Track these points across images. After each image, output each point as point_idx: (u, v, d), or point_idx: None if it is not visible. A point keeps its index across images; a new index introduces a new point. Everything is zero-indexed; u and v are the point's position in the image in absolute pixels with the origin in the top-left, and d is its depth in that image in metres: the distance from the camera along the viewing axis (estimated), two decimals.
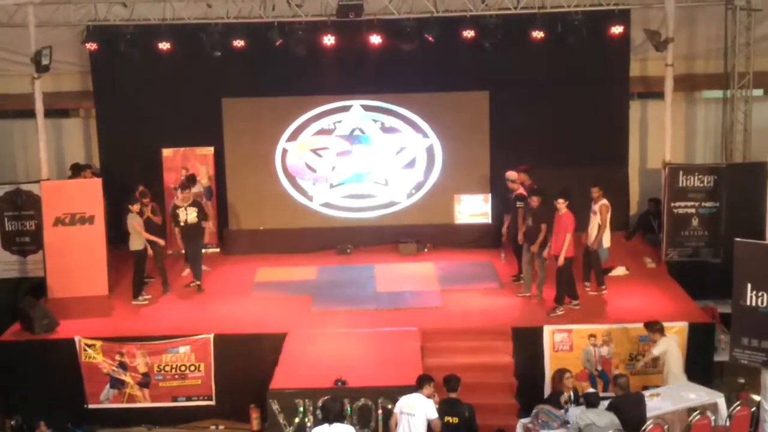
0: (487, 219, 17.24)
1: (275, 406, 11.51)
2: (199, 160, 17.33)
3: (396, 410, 10.73)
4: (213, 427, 13.32)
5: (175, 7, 16.02)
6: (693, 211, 15.62)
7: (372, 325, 13.57)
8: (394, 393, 11.12)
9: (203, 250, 15.82)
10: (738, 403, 11.35)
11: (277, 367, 12.25)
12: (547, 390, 12.68)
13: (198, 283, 15.16)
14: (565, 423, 10.97)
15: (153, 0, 15.96)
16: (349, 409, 11.38)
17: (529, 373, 12.94)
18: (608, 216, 14.23)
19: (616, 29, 16.03)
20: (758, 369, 11.31)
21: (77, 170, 16.69)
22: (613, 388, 11.33)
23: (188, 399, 13.37)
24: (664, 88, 15.76)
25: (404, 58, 16.32)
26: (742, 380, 13.15)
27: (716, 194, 15.53)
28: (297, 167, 17.41)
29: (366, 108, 17.31)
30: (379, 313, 14.12)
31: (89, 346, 13.23)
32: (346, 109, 17.31)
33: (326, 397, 10.96)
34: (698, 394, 11.54)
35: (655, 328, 12.39)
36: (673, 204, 15.62)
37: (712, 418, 11.01)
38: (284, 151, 17.34)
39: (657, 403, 11.19)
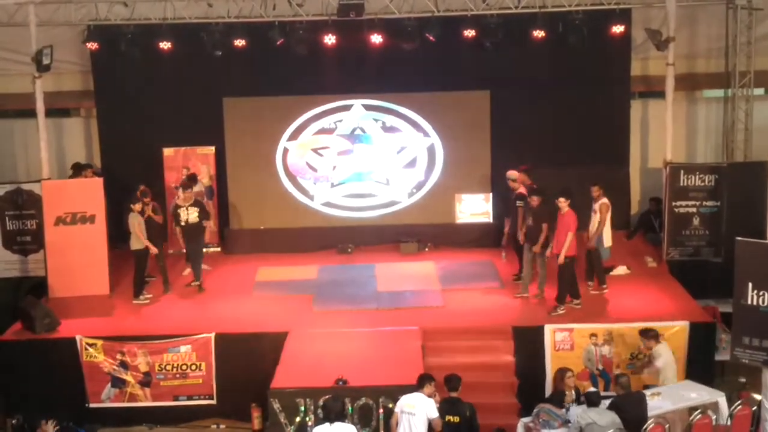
0: (488, 218, 17.24)
1: (276, 406, 11.52)
2: (200, 160, 17.34)
3: (397, 409, 10.73)
4: (214, 426, 13.33)
5: (175, 6, 16.02)
6: (694, 210, 15.63)
7: (373, 325, 13.57)
8: (395, 392, 11.12)
9: (204, 249, 15.81)
10: (739, 402, 11.35)
11: (278, 366, 12.26)
12: (548, 389, 12.68)
13: (198, 283, 15.16)
14: (566, 422, 10.97)
15: None
16: (350, 408, 11.39)
17: (530, 372, 12.93)
18: (608, 215, 14.22)
19: (617, 28, 16.03)
20: (759, 368, 11.30)
21: (78, 170, 16.70)
22: (615, 387, 11.34)
23: (189, 398, 13.38)
24: (665, 88, 15.75)
25: (405, 57, 16.32)
26: (743, 379, 13.13)
27: (717, 193, 15.53)
28: (298, 166, 17.41)
29: (367, 107, 17.31)
30: (380, 313, 14.12)
31: (90, 345, 13.24)
32: (347, 108, 17.31)
33: (327, 397, 10.97)
34: (699, 394, 11.54)
35: (649, 335, 12.36)
36: (674, 203, 15.62)
37: (713, 417, 11.01)
38: (285, 151, 17.34)
39: (658, 402, 11.18)
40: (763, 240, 11.26)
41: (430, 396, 10.67)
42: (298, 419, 11.50)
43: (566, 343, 13.10)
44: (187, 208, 15.01)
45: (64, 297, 14.80)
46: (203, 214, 15.15)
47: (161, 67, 16.79)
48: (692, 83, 17.46)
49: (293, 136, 17.32)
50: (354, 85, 17.15)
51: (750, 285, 11.01)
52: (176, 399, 13.38)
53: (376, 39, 15.81)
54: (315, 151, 17.38)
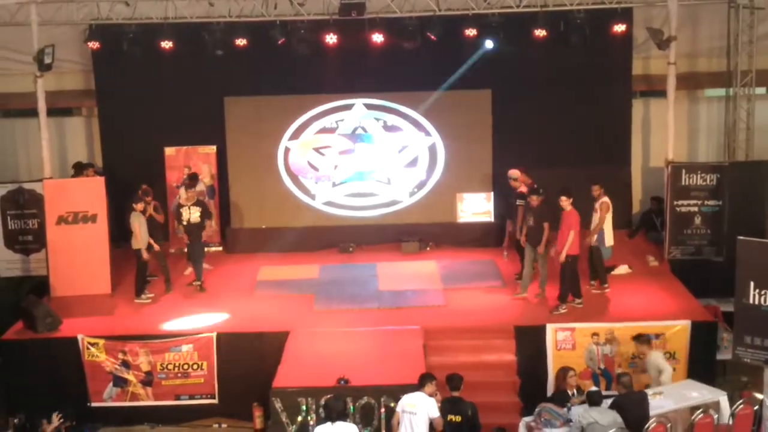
0: (489, 217, 17.24)
1: (278, 405, 11.52)
2: (202, 159, 17.34)
3: (398, 409, 10.73)
4: (216, 426, 13.34)
5: (177, 5, 16.02)
6: (696, 209, 15.62)
7: (374, 324, 13.58)
8: (396, 391, 11.12)
9: (205, 249, 15.80)
10: (741, 401, 11.34)
11: (280, 365, 12.26)
12: (550, 388, 12.70)
13: (199, 283, 15.16)
14: (567, 421, 10.98)
15: None
16: (351, 407, 11.40)
17: (531, 371, 12.94)
18: (607, 214, 14.21)
19: (619, 27, 16.04)
20: (761, 367, 11.29)
21: (80, 169, 16.70)
22: (616, 386, 11.33)
23: (191, 397, 13.39)
24: (667, 87, 15.74)
25: (406, 56, 16.32)
26: (744, 378, 13.17)
27: (719, 192, 15.52)
28: (299, 166, 17.41)
29: (368, 106, 17.30)
30: (381, 312, 14.12)
31: (92, 344, 13.25)
32: (348, 107, 17.30)
33: (329, 396, 10.99)
34: (701, 393, 11.54)
35: (642, 340, 12.36)
36: (675, 202, 15.62)
37: (715, 416, 11.01)
38: (287, 150, 17.34)
39: (660, 402, 11.18)
40: (765, 239, 11.24)
41: (431, 395, 10.67)
42: (299, 419, 11.52)
43: (568, 342, 13.10)
44: (189, 208, 15.01)
45: (65, 296, 14.82)
46: (206, 214, 15.16)
47: (163, 67, 16.79)
48: (694, 82, 17.45)
49: (295, 136, 17.31)
50: (355, 84, 17.15)
51: (752, 284, 11.01)
52: (178, 398, 13.39)
53: (378, 38, 15.81)
54: (316, 150, 17.38)
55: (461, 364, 11.97)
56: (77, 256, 15.01)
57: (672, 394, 11.49)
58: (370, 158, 17.34)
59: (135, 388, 13.33)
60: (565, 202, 13.63)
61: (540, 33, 15.81)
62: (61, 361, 13.32)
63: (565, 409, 11.20)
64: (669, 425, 10.71)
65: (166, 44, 16.11)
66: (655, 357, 12.17)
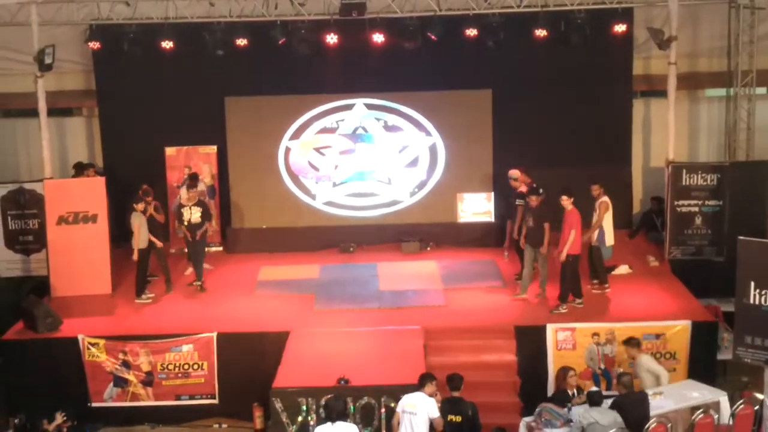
0: (489, 218, 17.24)
1: (278, 405, 11.52)
2: (202, 159, 17.34)
3: (398, 409, 10.73)
4: (216, 426, 13.34)
5: (177, 5, 16.02)
6: (696, 209, 15.62)
7: (375, 324, 13.58)
8: (396, 392, 11.12)
9: (206, 249, 15.80)
10: (741, 401, 11.33)
11: (280, 365, 12.26)
12: (551, 388, 12.69)
13: (199, 283, 15.16)
14: (568, 422, 10.98)
15: None
16: (351, 407, 11.41)
17: (532, 371, 12.93)
18: (606, 214, 14.20)
19: (619, 27, 16.03)
20: (761, 367, 11.29)
21: (80, 169, 16.71)
22: (617, 386, 11.33)
23: (191, 397, 13.39)
24: (668, 87, 15.74)
25: (407, 56, 16.32)
26: (745, 379, 13.17)
27: (719, 193, 15.51)
28: (300, 166, 17.41)
29: (369, 106, 17.30)
30: (381, 312, 14.12)
31: (92, 344, 13.25)
32: (349, 107, 17.30)
33: (329, 396, 10.99)
34: (701, 393, 11.54)
35: (632, 343, 12.31)
36: (676, 202, 15.61)
37: (716, 416, 11.01)
38: (287, 150, 17.34)
39: (660, 402, 11.18)
40: (766, 239, 11.23)
41: (431, 395, 10.66)
42: (300, 419, 11.52)
43: (568, 342, 13.10)
44: (190, 208, 15.01)
45: (66, 296, 14.82)
46: (206, 215, 15.16)
47: (163, 67, 16.79)
48: (694, 82, 17.45)
49: (295, 136, 17.31)
50: (356, 84, 17.16)
51: (752, 284, 11.01)
52: (178, 398, 13.39)
53: (378, 38, 15.80)
54: (317, 150, 17.38)
55: (461, 364, 11.97)
56: (78, 257, 15.01)
57: (672, 395, 11.48)
58: (371, 158, 17.34)
59: (135, 389, 13.34)
60: (566, 202, 13.63)
61: (541, 33, 15.81)
62: (61, 362, 13.32)
63: (566, 410, 11.20)
64: (669, 425, 10.71)
65: (167, 44, 16.11)
66: (646, 360, 12.12)
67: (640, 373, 12.11)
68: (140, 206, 14.60)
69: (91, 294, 14.89)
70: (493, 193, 17.12)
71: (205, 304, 14.67)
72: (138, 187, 15.15)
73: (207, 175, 17.18)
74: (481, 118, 17.11)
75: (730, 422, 11.08)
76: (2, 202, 16.22)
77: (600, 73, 16.97)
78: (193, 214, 14.99)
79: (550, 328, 13.13)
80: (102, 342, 13.25)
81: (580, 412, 10.75)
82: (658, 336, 13.01)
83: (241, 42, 15.98)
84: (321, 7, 15.94)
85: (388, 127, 17.30)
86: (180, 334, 13.33)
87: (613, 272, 15.00)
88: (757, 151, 16.65)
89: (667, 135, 15.87)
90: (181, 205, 15.14)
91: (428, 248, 17.05)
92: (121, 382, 13.30)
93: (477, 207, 17.28)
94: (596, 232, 14.23)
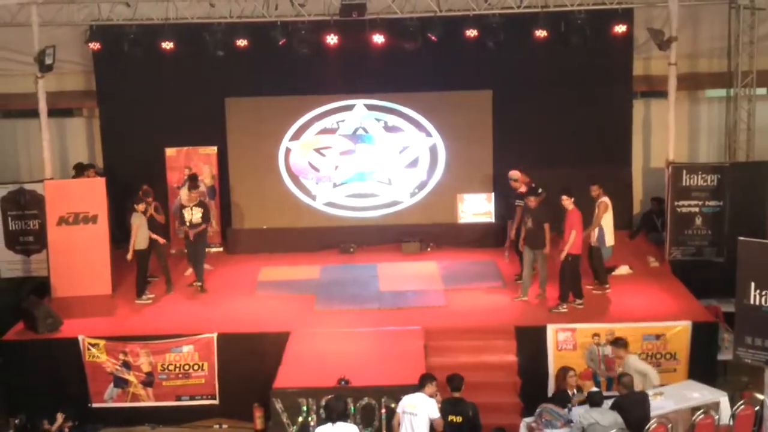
0: (490, 218, 17.24)
1: (278, 406, 11.53)
2: (203, 160, 17.34)
3: (399, 410, 10.72)
4: (216, 426, 13.34)
5: (178, 6, 16.02)
6: (696, 210, 15.62)
7: (375, 324, 13.58)
8: (397, 392, 11.12)
9: (206, 249, 15.80)
10: (741, 402, 11.32)
11: (281, 366, 12.26)
12: (551, 389, 12.68)
13: (200, 284, 15.16)
14: (568, 422, 10.98)
15: (156, 0, 15.97)
16: (352, 408, 11.41)
17: (532, 372, 12.93)
18: (605, 214, 14.20)
19: (620, 28, 16.03)
20: (762, 368, 11.30)
21: (80, 170, 16.71)
22: (617, 387, 11.32)
23: (192, 398, 13.39)
24: (668, 87, 15.74)
25: (407, 57, 16.32)
26: (745, 379, 13.16)
27: (720, 193, 15.52)
28: (300, 166, 17.41)
29: (369, 107, 17.31)
30: (382, 312, 14.12)
31: (93, 345, 13.25)
32: (349, 108, 17.31)
33: (329, 397, 10.99)
34: (702, 393, 11.53)
35: (619, 344, 12.26)
36: (676, 203, 15.62)
37: (716, 417, 11.00)
38: (287, 151, 17.35)
39: (660, 402, 11.17)
40: (766, 240, 11.24)
41: (431, 396, 10.66)
42: (300, 419, 11.52)
43: (569, 342, 13.10)
44: (191, 209, 15.02)
45: (66, 297, 14.82)
46: (206, 216, 15.17)
47: (163, 68, 16.80)
48: (695, 83, 17.46)
49: (295, 136, 17.32)
50: (356, 85, 17.16)
51: (752, 285, 11.03)
52: (179, 399, 13.39)
53: (378, 39, 15.80)
54: (317, 151, 17.39)
55: (462, 365, 11.96)
56: (78, 257, 15.01)
57: (673, 395, 11.47)
58: (371, 159, 17.35)
59: (136, 389, 13.34)
60: (567, 202, 13.64)
61: (541, 34, 15.81)
62: (61, 362, 13.32)
63: (566, 410, 11.19)
64: (670, 426, 10.70)
65: (167, 45, 16.11)
66: (633, 361, 12.08)
67: (629, 373, 12.09)
68: (141, 207, 14.60)
69: (92, 295, 14.90)
70: (493, 194, 17.12)
71: (205, 304, 14.67)
72: (138, 188, 15.19)
73: (207, 175, 17.18)
74: (482, 118, 17.11)
75: (731, 423, 11.07)
76: (3, 202, 16.22)
77: (600, 74, 16.98)
78: (194, 215, 15.00)
79: (551, 329, 13.13)
80: (102, 342, 13.25)
81: (580, 413, 10.75)
82: (658, 336, 13.01)
83: (242, 43, 15.99)
84: (321, 8, 15.94)
85: (388, 128, 17.31)
86: (180, 334, 13.33)
87: (613, 273, 15.01)
88: (758, 152, 16.64)
89: (668, 135, 15.88)
90: (182, 206, 15.15)
91: (428, 249, 17.05)
92: (121, 382, 13.31)
93: (477, 207, 17.29)
94: (596, 233, 14.23)
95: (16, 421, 12.25)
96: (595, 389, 11.41)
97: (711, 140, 17.76)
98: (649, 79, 17.48)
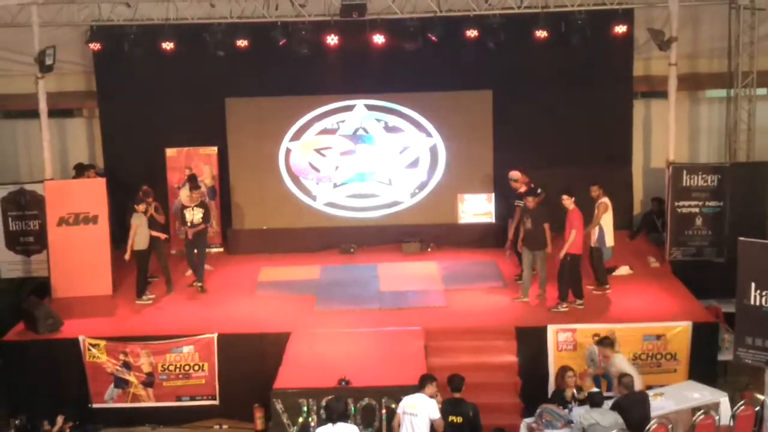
0: (490, 218, 17.24)
1: (279, 406, 11.53)
2: (203, 160, 17.34)
3: (399, 410, 10.73)
4: (217, 427, 13.34)
5: (178, 7, 16.02)
6: (697, 210, 15.62)
7: (375, 325, 13.58)
8: (397, 393, 11.12)
9: (207, 250, 15.80)
10: (742, 402, 11.33)
11: (281, 366, 12.26)
12: (551, 389, 12.67)
13: (200, 284, 15.17)
14: (569, 422, 10.98)
15: (156, 0, 15.97)
16: (352, 408, 11.42)
17: (533, 372, 12.93)
18: (605, 214, 14.19)
19: (620, 28, 16.02)
20: (762, 368, 11.32)
21: (81, 170, 16.71)
22: (618, 387, 11.32)
23: (192, 398, 13.39)
24: (668, 88, 15.74)
25: (407, 57, 16.33)
26: (746, 379, 13.14)
27: (720, 193, 15.52)
28: (300, 167, 17.42)
29: (369, 107, 17.31)
30: (382, 313, 14.12)
31: (93, 345, 13.25)
32: (349, 108, 17.31)
33: (330, 397, 10.99)
34: (702, 394, 11.53)
35: (605, 343, 12.26)
36: (676, 203, 15.62)
37: (716, 417, 11.00)
38: (288, 151, 17.35)
39: (661, 403, 11.18)
40: (766, 240, 11.24)
41: (431, 396, 10.66)
42: (300, 420, 11.52)
43: (569, 343, 13.10)
44: (192, 209, 15.03)
45: (66, 297, 14.83)
46: (207, 217, 15.17)
47: (164, 68, 16.82)
48: (695, 83, 17.45)
49: (296, 137, 17.32)
50: (356, 85, 17.16)
51: (753, 285, 11.04)
52: (179, 399, 13.39)
53: (379, 39, 15.80)
54: (318, 151, 17.39)
55: (462, 365, 11.96)
56: (78, 258, 15.01)
57: (673, 395, 11.49)
58: (371, 159, 17.35)
59: (136, 390, 13.34)
60: (567, 201, 13.64)
61: (541, 34, 15.81)
62: (62, 363, 13.33)
63: (566, 410, 11.20)
64: (670, 426, 10.71)
65: (167, 45, 16.10)
66: (619, 361, 12.09)
67: (613, 372, 12.11)
68: (141, 207, 14.61)
69: (92, 295, 14.90)
70: (493, 194, 17.13)
71: (205, 305, 14.67)
72: (138, 188, 15.19)
73: (207, 176, 17.18)
74: (482, 118, 17.11)
75: (731, 423, 11.07)
76: (3, 203, 16.22)
77: (600, 74, 16.98)
78: (195, 215, 15.00)
79: (551, 329, 13.13)
80: (103, 343, 13.25)
81: (580, 413, 10.75)
82: (658, 337, 13.01)
83: (242, 43, 15.98)
84: (321, 8, 15.94)
85: (388, 128, 17.31)
86: (180, 335, 13.33)
87: (613, 273, 15.01)
88: (758, 152, 16.64)
89: (668, 136, 15.88)
90: (184, 206, 15.15)
91: (429, 249, 17.05)
92: (121, 383, 13.31)
93: (477, 208, 17.29)
94: (596, 234, 14.23)
95: (17, 422, 12.25)
96: (595, 389, 11.41)
97: (711, 140, 17.76)
98: (650, 80, 17.47)
